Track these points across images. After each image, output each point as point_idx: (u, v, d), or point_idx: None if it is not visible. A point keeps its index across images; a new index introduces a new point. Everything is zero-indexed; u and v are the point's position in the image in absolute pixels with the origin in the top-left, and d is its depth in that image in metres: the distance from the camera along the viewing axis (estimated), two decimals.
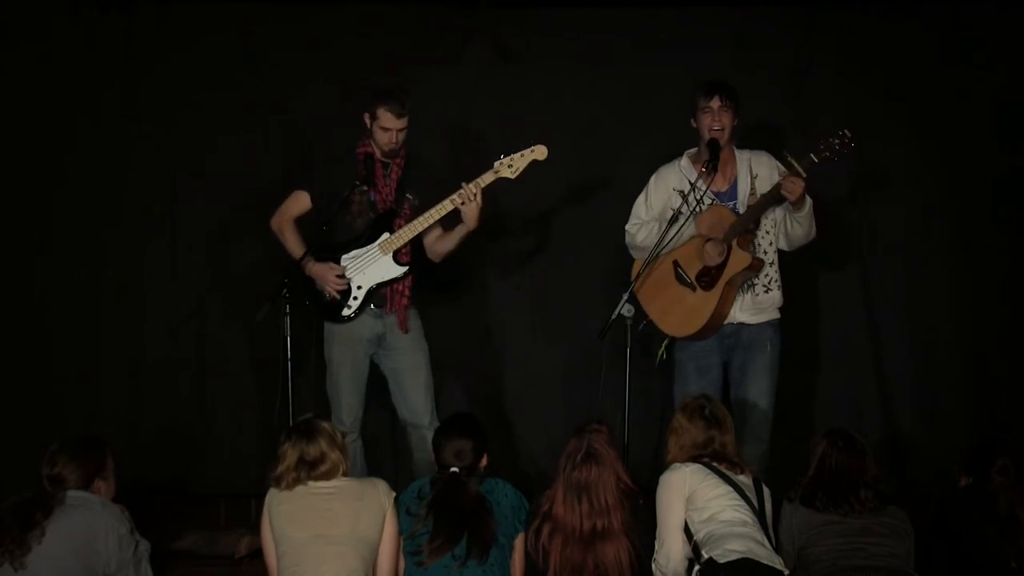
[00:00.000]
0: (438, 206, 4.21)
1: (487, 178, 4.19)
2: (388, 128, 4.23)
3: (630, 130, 5.20)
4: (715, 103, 4.21)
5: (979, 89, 5.20)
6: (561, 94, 5.27)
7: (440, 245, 4.36)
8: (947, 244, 5.27)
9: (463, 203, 4.16)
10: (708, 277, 4.23)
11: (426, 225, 4.24)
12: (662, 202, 4.35)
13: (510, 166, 4.19)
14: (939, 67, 5.22)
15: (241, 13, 5.34)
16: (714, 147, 4.20)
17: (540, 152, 4.19)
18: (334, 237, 4.32)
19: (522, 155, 4.19)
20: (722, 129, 4.21)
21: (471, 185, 4.16)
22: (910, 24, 5.21)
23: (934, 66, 5.22)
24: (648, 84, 5.18)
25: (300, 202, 4.39)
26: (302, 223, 4.41)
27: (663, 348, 4.33)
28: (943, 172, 5.25)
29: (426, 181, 4.34)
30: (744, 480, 3.46)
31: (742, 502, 3.39)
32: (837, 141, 4.04)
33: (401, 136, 4.26)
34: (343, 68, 5.24)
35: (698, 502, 3.39)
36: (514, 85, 5.30)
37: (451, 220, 4.31)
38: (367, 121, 4.29)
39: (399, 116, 4.22)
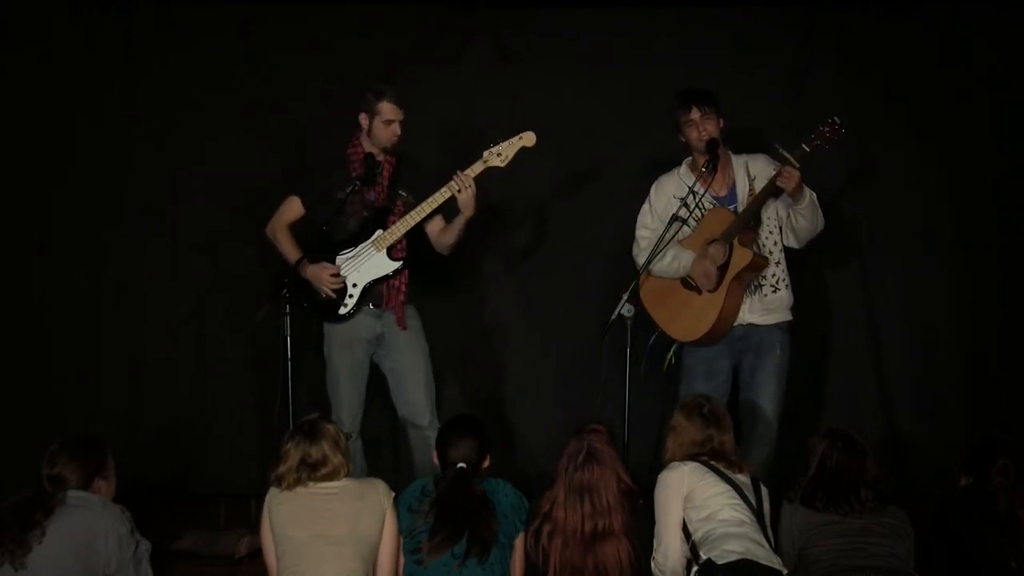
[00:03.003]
0: (430, 199, 4.23)
1: (477, 168, 4.21)
2: (392, 120, 4.27)
3: (630, 130, 5.20)
4: (695, 114, 4.22)
5: (979, 89, 5.20)
6: (561, 94, 5.27)
7: (445, 237, 4.37)
8: (947, 244, 5.27)
9: (459, 190, 4.17)
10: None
11: (419, 219, 4.25)
12: (664, 209, 4.33)
13: (499, 155, 4.20)
14: (939, 67, 5.22)
15: (241, 13, 5.34)
16: (713, 146, 4.20)
17: (528, 139, 4.20)
18: (332, 237, 4.33)
19: (510, 143, 4.20)
20: (710, 136, 4.21)
21: (463, 174, 4.17)
22: (910, 24, 5.22)
23: (934, 66, 5.22)
24: (648, 84, 5.17)
25: (293, 208, 4.41)
26: (296, 228, 4.41)
27: (671, 353, 4.32)
28: (943, 172, 5.25)
29: (420, 179, 4.32)
30: (742, 479, 3.46)
31: (740, 501, 3.39)
32: (827, 129, 4.06)
33: (401, 128, 4.29)
34: (343, 68, 5.23)
35: (696, 500, 3.38)
36: (514, 85, 5.30)
37: (451, 211, 4.31)
38: (365, 121, 4.31)
39: (401, 106, 4.27)
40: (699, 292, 4.23)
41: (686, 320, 4.25)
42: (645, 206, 4.40)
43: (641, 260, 4.33)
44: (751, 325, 4.27)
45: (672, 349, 4.32)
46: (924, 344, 5.25)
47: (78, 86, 5.32)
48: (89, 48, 5.33)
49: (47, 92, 5.30)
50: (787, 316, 4.34)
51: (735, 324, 4.26)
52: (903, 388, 5.24)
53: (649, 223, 4.37)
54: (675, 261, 4.24)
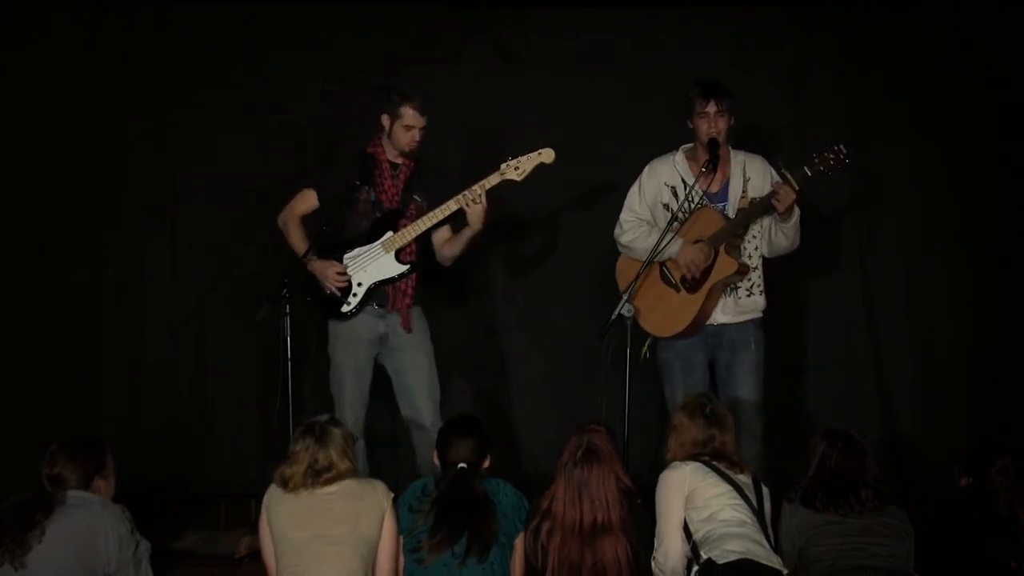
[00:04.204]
0: (442, 207, 4.22)
1: (492, 180, 4.19)
2: (412, 126, 4.26)
3: (630, 130, 5.20)
4: (711, 108, 4.20)
5: (979, 89, 5.21)
6: (561, 94, 5.27)
7: (448, 248, 4.37)
8: (947, 244, 5.27)
9: (468, 205, 4.16)
10: (693, 280, 4.22)
11: (429, 224, 4.25)
12: (653, 195, 4.33)
13: (516, 168, 4.18)
14: (939, 67, 5.22)
15: (241, 13, 5.34)
16: (713, 147, 4.19)
17: (547, 155, 4.19)
18: (340, 235, 4.33)
19: (529, 157, 4.19)
20: (719, 133, 4.20)
21: (476, 187, 4.16)
22: (910, 24, 5.22)
23: (934, 66, 5.23)
24: (648, 84, 5.18)
25: (307, 201, 4.41)
26: (308, 221, 4.41)
27: (646, 346, 4.31)
28: (943, 172, 5.25)
29: (437, 187, 4.30)
30: (743, 479, 3.46)
31: (741, 501, 3.39)
32: (832, 156, 4.04)
33: (421, 135, 4.29)
34: (343, 68, 5.24)
35: (697, 501, 3.38)
36: (514, 85, 5.30)
37: (459, 223, 4.31)
38: (386, 122, 4.31)
39: (423, 113, 4.27)
40: (677, 291, 4.23)
41: (662, 315, 4.26)
42: (634, 187, 4.37)
43: (623, 240, 4.32)
44: (723, 324, 4.29)
45: (647, 342, 4.31)
46: (924, 344, 5.25)
47: (78, 86, 5.32)
48: (89, 48, 5.33)
49: (47, 92, 5.30)
50: (759, 314, 4.34)
51: (707, 323, 4.27)
52: (903, 388, 5.24)
53: (635, 206, 4.34)
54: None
